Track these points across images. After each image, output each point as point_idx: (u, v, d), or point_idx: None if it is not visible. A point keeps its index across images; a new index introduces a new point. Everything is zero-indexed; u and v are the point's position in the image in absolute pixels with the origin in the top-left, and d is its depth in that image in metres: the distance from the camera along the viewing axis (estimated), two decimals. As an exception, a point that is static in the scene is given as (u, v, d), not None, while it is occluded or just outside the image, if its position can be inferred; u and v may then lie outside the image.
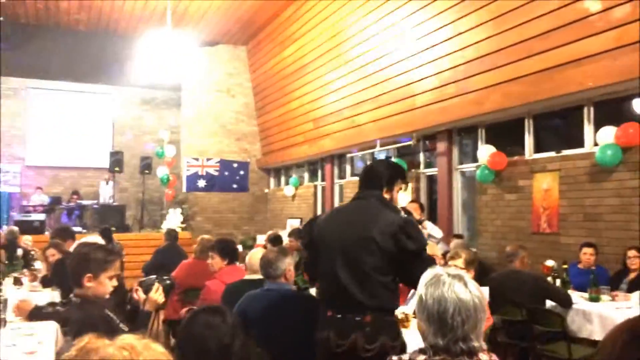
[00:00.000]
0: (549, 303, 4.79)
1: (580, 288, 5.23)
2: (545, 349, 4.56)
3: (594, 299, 4.82)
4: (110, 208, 13.51)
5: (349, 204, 3.08)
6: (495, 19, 7.12)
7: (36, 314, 3.86)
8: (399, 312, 3.67)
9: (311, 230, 3.01)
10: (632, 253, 5.41)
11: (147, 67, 14.53)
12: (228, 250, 4.66)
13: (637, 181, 5.77)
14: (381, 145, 9.81)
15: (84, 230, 12.15)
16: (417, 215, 4.45)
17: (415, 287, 2.90)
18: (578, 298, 4.87)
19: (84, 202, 14.20)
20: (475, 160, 8.24)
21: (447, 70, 7.99)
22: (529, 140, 7.26)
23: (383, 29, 9.29)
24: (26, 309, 3.86)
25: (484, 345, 1.85)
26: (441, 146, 8.62)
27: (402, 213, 3.01)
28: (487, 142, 7.93)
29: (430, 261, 2.68)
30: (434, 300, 1.85)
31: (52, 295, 4.88)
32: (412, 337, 3.51)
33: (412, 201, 6.42)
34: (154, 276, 3.00)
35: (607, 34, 5.80)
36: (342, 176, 12.11)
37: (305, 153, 12.70)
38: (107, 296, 2.87)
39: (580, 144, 6.59)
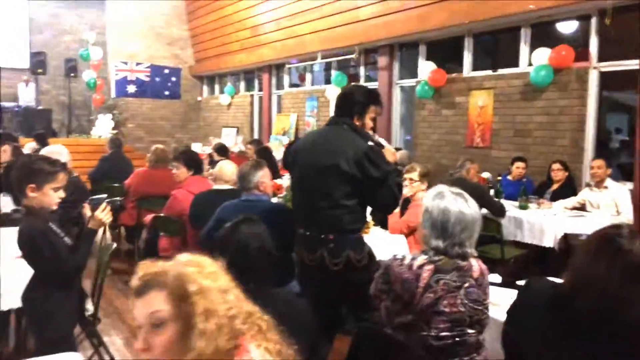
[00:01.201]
0: (484, 210, 5.32)
1: (510, 198, 5.81)
2: (481, 250, 5.12)
3: (523, 207, 5.41)
4: (35, 112, 12.83)
5: (321, 129, 3.23)
6: None
7: (4, 221, 3.89)
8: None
9: (288, 153, 3.18)
10: (556, 166, 6.01)
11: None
12: (193, 161, 4.76)
13: (566, 101, 6.29)
14: (322, 58, 9.85)
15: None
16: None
17: (379, 211, 3.18)
18: (509, 206, 5.43)
19: (3, 104, 13.39)
20: (414, 75, 8.54)
21: (393, -16, 8.03)
22: (467, 58, 7.59)
23: None
24: (-9, 216, 3.88)
25: (475, 252, 2.20)
26: (382, 60, 8.80)
27: (371, 140, 3.04)
28: (428, 58, 8.20)
29: (393, 189, 2.92)
30: (439, 210, 2.17)
31: (4, 200, 4.81)
32: (370, 241, 3.88)
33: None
34: (104, 195, 2.94)
35: (549, -43, 6.05)
36: (280, 86, 12.10)
37: (242, 62, 12.49)
38: (54, 207, 2.80)
39: (515, 63, 6.99)
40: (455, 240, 2.16)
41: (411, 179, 4.32)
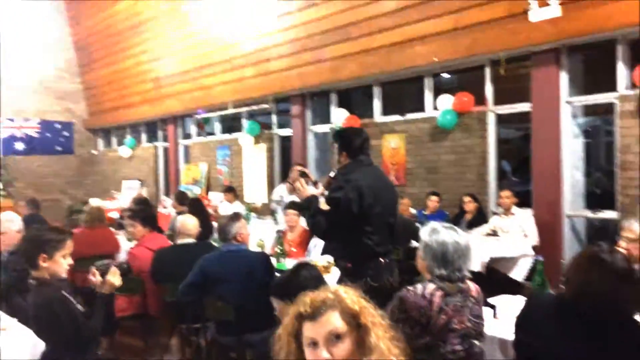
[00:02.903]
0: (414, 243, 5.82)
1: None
2: (419, 279, 5.59)
3: (448, 238, 5.97)
4: None
5: (374, 168, 3.70)
6: (348, -6, 7.86)
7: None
8: (325, 261, 4.28)
9: (363, 194, 3.34)
10: (467, 199, 6.73)
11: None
12: (149, 218, 4.78)
13: (469, 140, 7.08)
14: (233, 107, 10.10)
15: None
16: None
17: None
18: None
19: None
20: (326, 121, 9.08)
21: (303, 38, 8.56)
22: (377, 105, 8.26)
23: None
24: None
25: (470, 275, 2.58)
26: (295, 109, 9.25)
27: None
28: (339, 105, 8.79)
29: None
30: (438, 243, 2.54)
31: None
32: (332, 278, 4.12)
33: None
34: (108, 260, 3.11)
35: (447, 17, 6.88)
36: (187, 137, 12.12)
37: (145, 114, 12.40)
38: (64, 275, 2.92)
39: (421, 109, 7.74)
40: (455, 267, 2.54)
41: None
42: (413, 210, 6.70)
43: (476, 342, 2.50)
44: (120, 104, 13.21)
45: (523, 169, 8.89)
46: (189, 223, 4.30)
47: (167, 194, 12.09)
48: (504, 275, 5.76)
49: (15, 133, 13.76)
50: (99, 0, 12.82)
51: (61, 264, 2.83)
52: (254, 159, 10.02)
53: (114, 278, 2.94)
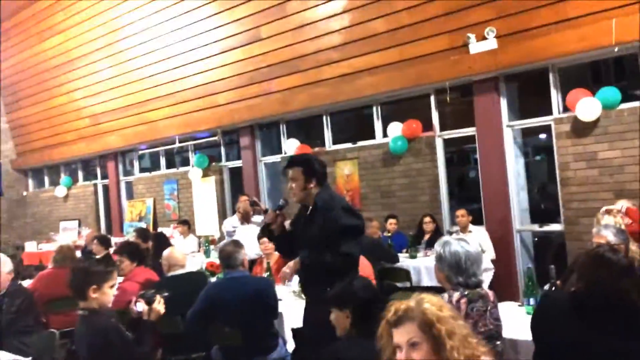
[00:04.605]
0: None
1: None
2: (393, 297, 5.87)
3: (413, 257, 6.34)
4: None
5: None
6: (292, 30, 8.21)
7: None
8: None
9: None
10: (427, 219, 7.13)
11: None
12: (137, 252, 4.76)
13: (420, 164, 7.53)
14: (180, 141, 10.11)
15: None
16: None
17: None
18: (402, 257, 6.32)
19: None
20: (274, 151, 9.31)
21: (251, 71, 8.79)
22: (327, 134, 8.59)
23: (170, 30, 9.66)
24: None
25: (484, 280, 2.88)
26: (245, 140, 9.41)
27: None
28: (288, 135, 9.04)
29: None
30: (451, 254, 2.81)
31: None
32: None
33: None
34: (153, 290, 3.25)
35: (392, 49, 7.35)
36: (128, 173, 11.91)
37: (82, 151, 12.08)
38: (110, 305, 3.06)
39: (371, 136, 8.14)
40: (470, 273, 2.82)
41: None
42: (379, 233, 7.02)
43: (498, 342, 2.78)
44: (53, 142, 12.79)
45: (459, 188, 9.53)
46: (178, 253, 4.36)
47: (109, 232, 11.77)
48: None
49: None
50: (25, 39, 12.54)
51: (109, 294, 2.97)
52: (204, 191, 10.03)
53: (160, 306, 3.10)
